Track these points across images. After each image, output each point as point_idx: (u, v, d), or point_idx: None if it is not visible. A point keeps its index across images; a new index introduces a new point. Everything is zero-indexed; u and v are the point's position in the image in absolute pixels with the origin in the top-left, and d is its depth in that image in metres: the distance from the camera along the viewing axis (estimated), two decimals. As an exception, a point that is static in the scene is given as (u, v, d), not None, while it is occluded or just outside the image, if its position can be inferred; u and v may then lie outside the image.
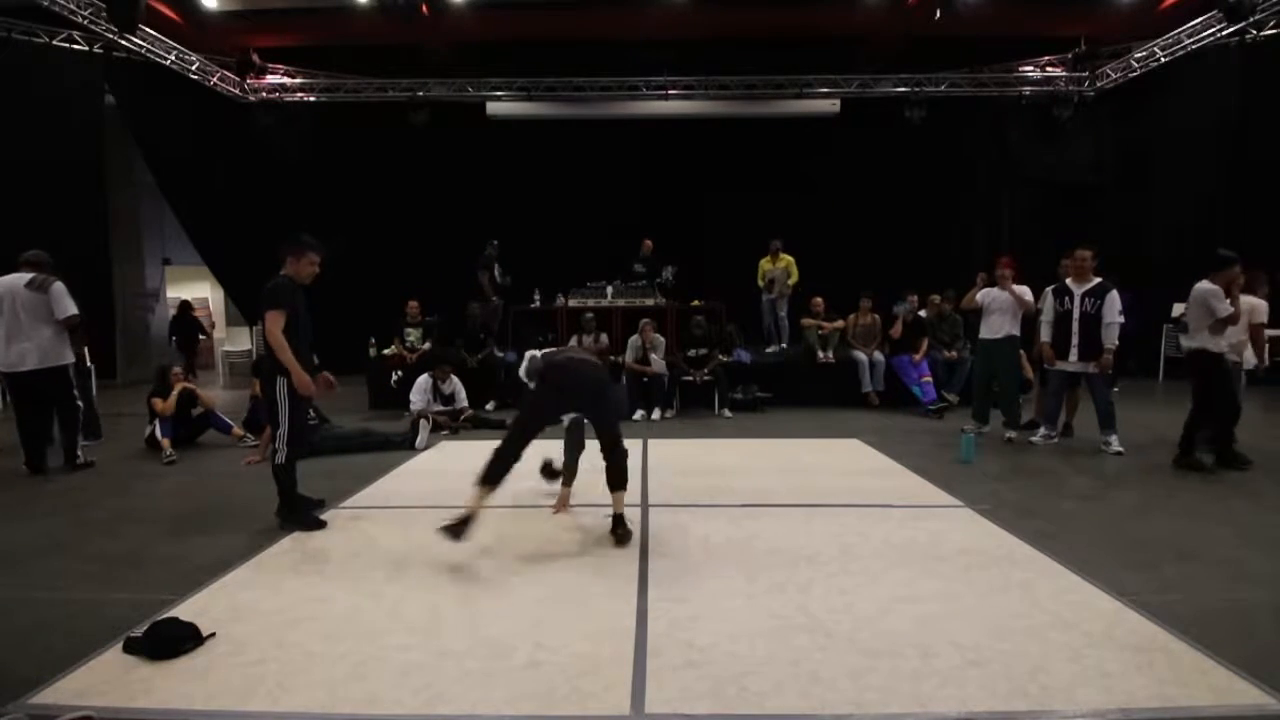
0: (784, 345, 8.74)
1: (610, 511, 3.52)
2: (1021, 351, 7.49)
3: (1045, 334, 5.61)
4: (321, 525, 3.71)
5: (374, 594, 2.84)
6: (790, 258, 8.81)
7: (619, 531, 3.44)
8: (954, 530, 3.59)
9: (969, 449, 5.13)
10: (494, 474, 3.30)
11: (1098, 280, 5.39)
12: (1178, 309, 7.96)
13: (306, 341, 3.74)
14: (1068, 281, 5.52)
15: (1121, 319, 5.32)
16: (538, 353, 3.66)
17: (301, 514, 3.73)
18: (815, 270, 9.09)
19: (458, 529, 3.17)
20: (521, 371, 3.68)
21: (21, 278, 4.93)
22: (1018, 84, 10.33)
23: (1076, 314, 5.40)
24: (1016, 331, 5.92)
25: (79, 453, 5.16)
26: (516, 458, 3.35)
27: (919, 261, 9.97)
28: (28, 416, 5.04)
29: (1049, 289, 5.67)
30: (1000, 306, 5.93)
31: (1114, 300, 5.30)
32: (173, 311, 11.30)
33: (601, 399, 3.54)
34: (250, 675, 2.22)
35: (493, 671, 2.24)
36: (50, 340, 4.95)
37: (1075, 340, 5.41)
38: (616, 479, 3.49)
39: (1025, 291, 5.88)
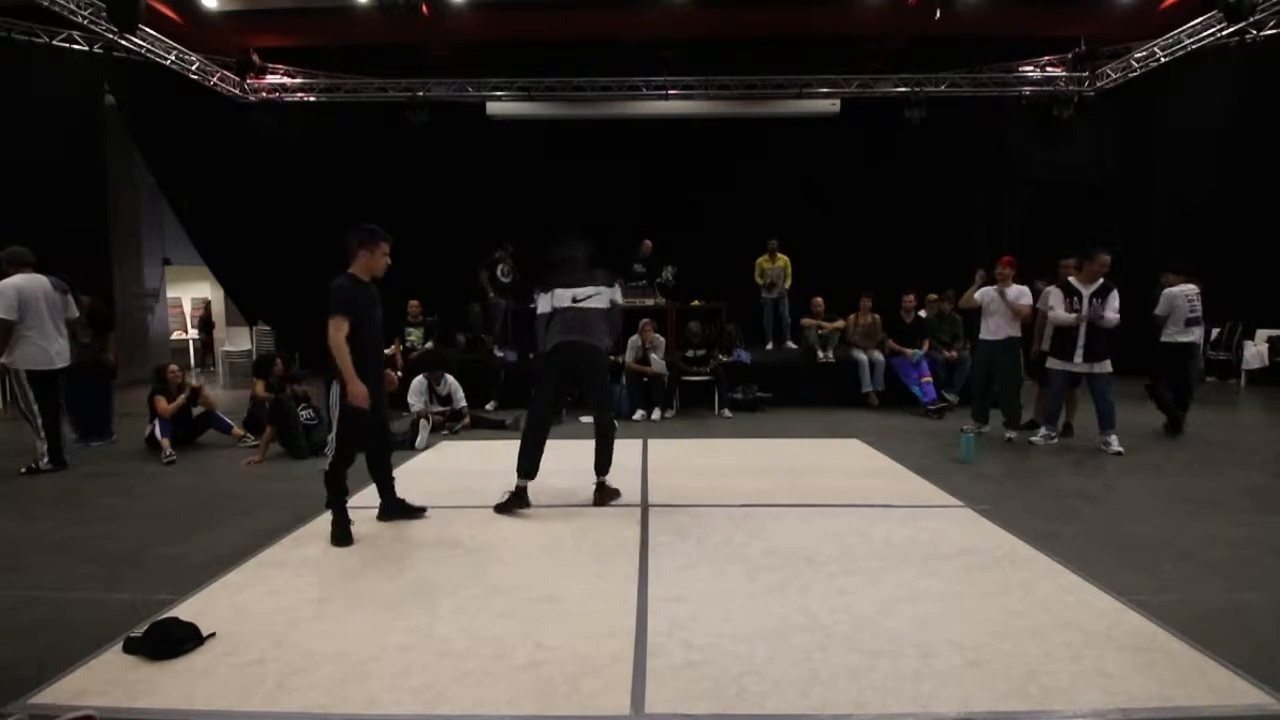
0: (793, 345, 8.70)
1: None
2: None
3: (1052, 327, 5.65)
4: (349, 543, 3.46)
5: (374, 594, 2.84)
6: (786, 258, 8.81)
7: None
8: (954, 530, 3.59)
9: (969, 449, 5.13)
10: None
11: (1101, 281, 5.41)
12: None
13: (373, 344, 3.61)
14: (1073, 281, 5.51)
15: (1117, 317, 5.34)
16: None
17: (340, 528, 3.49)
18: (815, 270, 9.08)
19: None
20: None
21: (43, 278, 5.10)
22: (1018, 84, 10.33)
23: (1084, 312, 5.38)
24: (1017, 333, 5.90)
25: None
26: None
27: (919, 261, 9.96)
28: (53, 413, 5.16)
29: (1050, 287, 5.66)
30: (1000, 307, 5.91)
31: (1114, 298, 5.34)
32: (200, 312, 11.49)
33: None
34: (250, 675, 2.22)
35: (493, 671, 2.24)
36: (67, 339, 5.23)
37: (1081, 341, 5.40)
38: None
39: (1023, 294, 5.84)
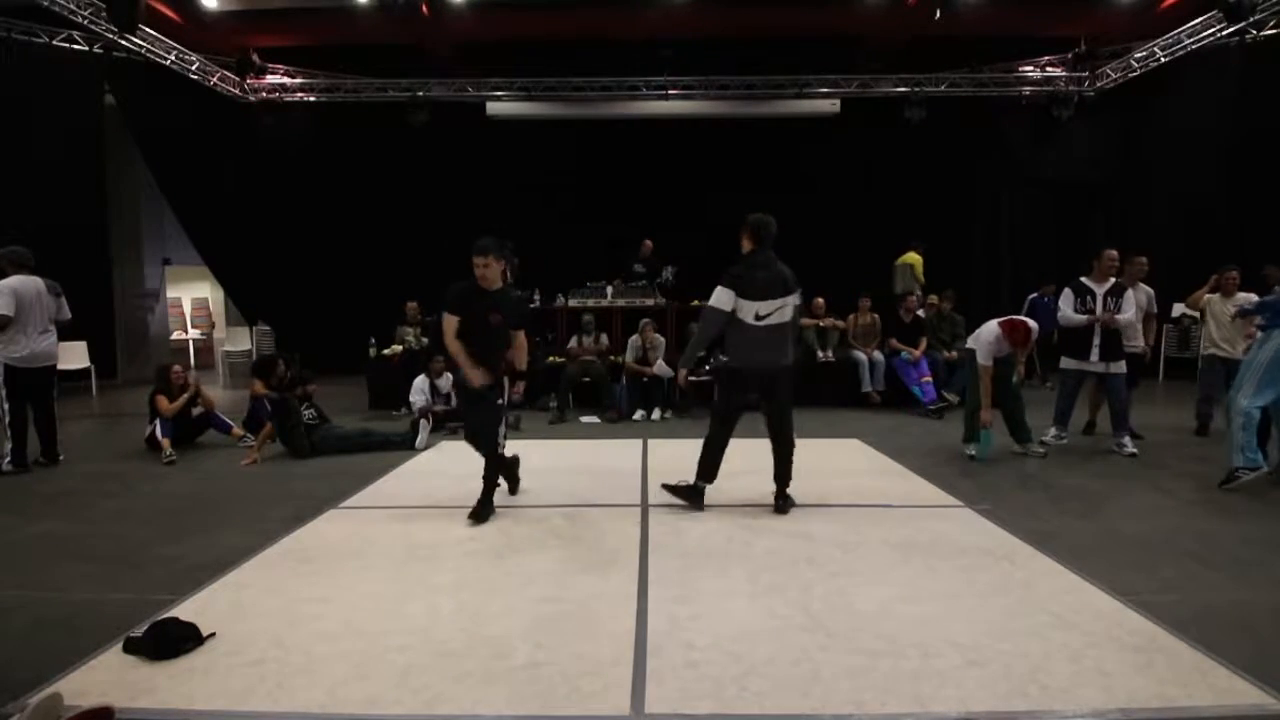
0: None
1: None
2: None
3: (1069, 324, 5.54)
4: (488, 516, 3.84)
5: (374, 594, 2.84)
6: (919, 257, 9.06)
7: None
8: (954, 530, 3.59)
9: (986, 445, 5.10)
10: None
11: (1114, 280, 5.38)
12: (1177, 309, 7.97)
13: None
14: (1085, 280, 5.46)
15: (1132, 318, 5.32)
16: None
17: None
18: (815, 270, 9.04)
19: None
20: None
21: (38, 280, 5.09)
22: (1018, 84, 10.33)
23: (1098, 313, 5.33)
24: None
25: (58, 449, 5.31)
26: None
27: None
28: (22, 413, 5.10)
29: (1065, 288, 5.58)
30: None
31: (1130, 299, 5.31)
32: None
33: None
34: (250, 675, 2.22)
35: (493, 671, 2.24)
36: (55, 339, 5.23)
37: (1096, 340, 5.34)
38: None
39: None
